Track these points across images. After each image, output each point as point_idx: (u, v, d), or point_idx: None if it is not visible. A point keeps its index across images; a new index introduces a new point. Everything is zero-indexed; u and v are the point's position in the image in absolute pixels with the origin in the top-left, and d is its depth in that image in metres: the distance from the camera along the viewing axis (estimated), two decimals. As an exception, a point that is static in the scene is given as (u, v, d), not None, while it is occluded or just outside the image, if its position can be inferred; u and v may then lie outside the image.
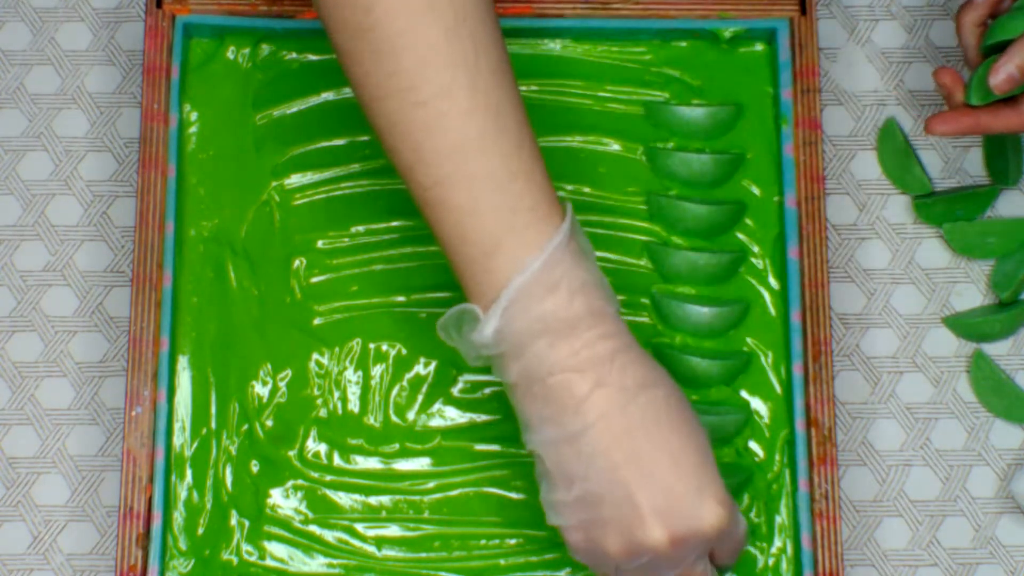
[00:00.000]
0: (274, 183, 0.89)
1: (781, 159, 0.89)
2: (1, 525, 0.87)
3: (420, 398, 0.86)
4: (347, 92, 0.90)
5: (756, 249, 0.88)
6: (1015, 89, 0.82)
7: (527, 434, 0.73)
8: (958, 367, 0.89)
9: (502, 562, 0.84)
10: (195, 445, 0.85)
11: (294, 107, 0.90)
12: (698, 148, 0.90)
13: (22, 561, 0.86)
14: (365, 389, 0.86)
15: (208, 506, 0.85)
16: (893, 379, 0.89)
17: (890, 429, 0.88)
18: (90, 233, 0.90)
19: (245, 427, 0.85)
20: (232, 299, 0.87)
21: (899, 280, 0.90)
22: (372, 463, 0.86)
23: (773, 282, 0.88)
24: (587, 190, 0.89)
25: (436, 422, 0.86)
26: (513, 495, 0.85)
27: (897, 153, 0.91)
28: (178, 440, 0.85)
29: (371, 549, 0.84)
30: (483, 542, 0.85)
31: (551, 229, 0.71)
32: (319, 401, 0.86)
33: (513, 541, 0.85)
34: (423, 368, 0.87)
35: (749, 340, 0.87)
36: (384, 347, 0.87)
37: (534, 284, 0.70)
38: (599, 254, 0.85)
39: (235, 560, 0.84)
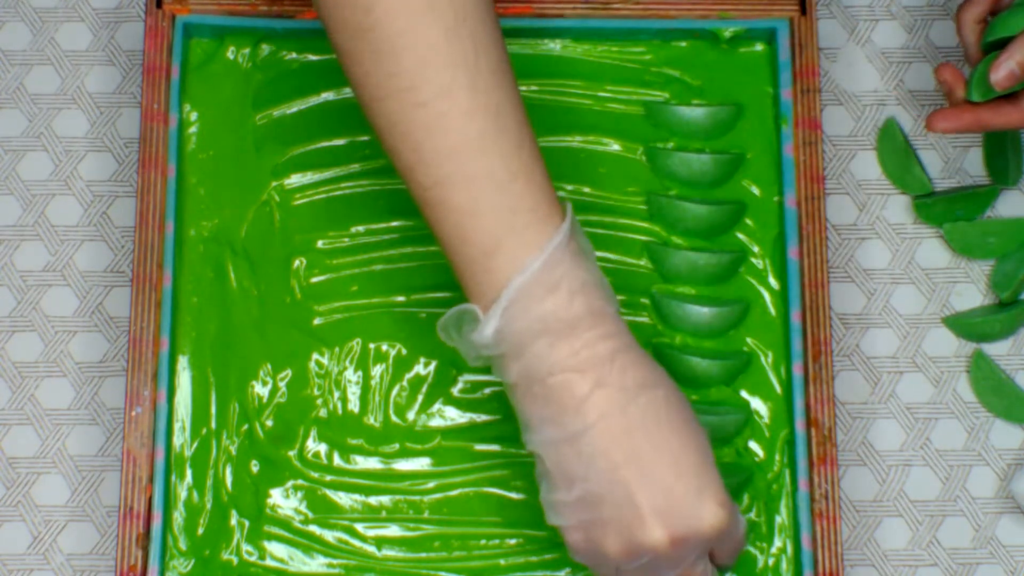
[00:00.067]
0: (274, 183, 0.89)
1: (781, 159, 0.89)
2: (1, 525, 0.87)
3: (420, 398, 0.86)
4: (347, 92, 0.90)
5: (756, 249, 0.88)
6: (1016, 85, 0.82)
7: (527, 434, 0.73)
8: (958, 367, 0.89)
9: (502, 562, 0.84)
10: (195, 445, 0.85)
11: (294, 107, 0.90)
12: (698, 148, 0.90)
13: (22, 561, 0.86)
14: (365, 389, 0.86)
15: (208, 506, 0.85)
16: (893, 379, 0.89)
17: (890, 429, 0.88)
18: (90, 233, 0.90)
19: (245, 427, 0.85)
20: (232, 299, 0.87)
21: (899, 280, 0.90)
22: (372, 463, 0.86)
23: (773, 282, 0.88)
24: (587, 190, 0.89)
25: (436, 422, 0.86)
26: (513, 495, 0.85)
27: (897, 153, 0.91)
28: (178, 440, 0.85)
29: (371, 549, 0.84)
30: (483, 542, 0.85)
31: (551, 229, 0.71)
32: (319, 401, 0.86)
33: (513, 541, 0.85)
34: (423, 368, 0.87)
35: (749, 340, 0.87)
36: (384, 347, 0.87)
37: (534, 284, 0.70)
38: (599, 254, 0.85)
39: (235, 560, 0.84)
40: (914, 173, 0.91)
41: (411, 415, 0.86)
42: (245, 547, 0.84)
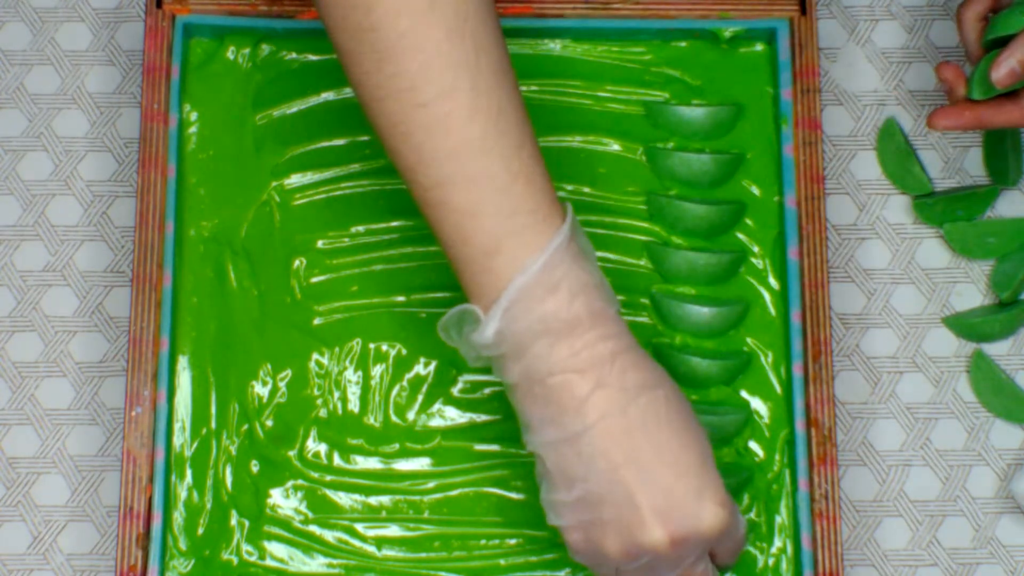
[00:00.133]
0: (274, 183, 0.89)
1: (781, 159, 0.89)
2: (1, 525, 0.86)
3: (420, 398, 0.86)
4: (347, 92, 0.90)
5: (756, 249, 0.88)
6: (1017, 83, 0.82)
7: (527, 435, 0.73)
8: (958, 367, 0.89)
9: (502, 562, 0.84)
10: (195, 445, 0.85)
11: (294, 107, 0.90)
12: (698, 148, 0.90)
13: (22, 561, 0.86)
14: (365, 389, 0.86)
15: (208, 506, 0.85)
16: (893, 379, 0.89)
17: (890, 429, 0.88)
18: (90, 233, 0.90)
19: (245, 427, 0.85)
20: (232, 299, 0.87)
21: (899, 280, 0.90)
22: (372, 463, 0.86)
23: (773, 282, 0.88)
24: (587, 190, 0.89)
25: (436, 422, 0.86)
26: (513, 495, 0.85)
27: (897, 153, 0.91)
28: (178, 440, 0.85)
29: (371, 549, 0.84)
30: (483, 542, 0.85)
31: (551, 230, 0.71)
32: (319, 401, 0.86)
33: (513, 541, 0.85)
34: (423, 368, 0.87)
35: (749, 340, 0.87)
36: (384, 347, 0.87)
37: (535, 285, 0.70)
38: (599, 254, 0.85)
39: (235, 560, 0.84)
40: (914, 173, 0.91)
41: (411, 415, 0.86)
42: (245, 547, 0.84)
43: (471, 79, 0.69)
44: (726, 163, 0.89)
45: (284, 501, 0.85)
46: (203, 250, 0.88)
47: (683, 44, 0.91)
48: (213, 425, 0.85)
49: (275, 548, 0.84)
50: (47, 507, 0.87)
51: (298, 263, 0.88)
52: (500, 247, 0.70)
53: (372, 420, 0.86)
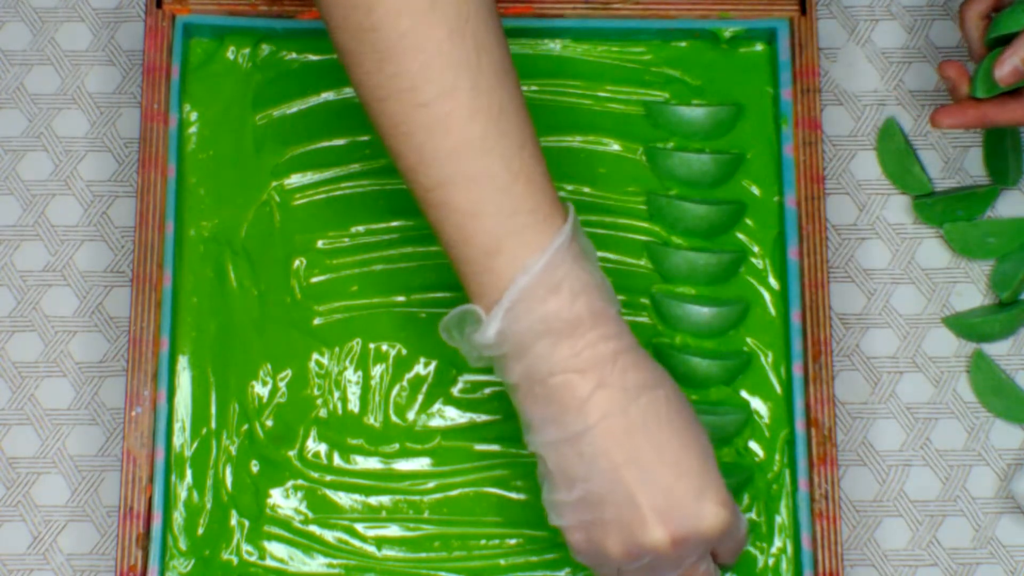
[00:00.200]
0: (274, 183, 0.89)
1: (781, 159, 0.89)
2: (1, 525, 0.86)
3: (420, 398, 0.86)
4: (347, 92, 0.90)
5: (756, 249, 0.88)
6: (1020, 81, 0.82)
7: (529, 435, 0.73)
8: (958, 367, 0.89)
9: (502, 562, 0.84)
10: (195, 445, 0.85)
11: (294, 107, 0.90)
12: (698, 148, 0.90)
13: (22, 561, 0.86)
14: (365, 389, 0.86)
15: (208, 506, 0.84)
16: (893, 379, 0.89)
17: (890, 429, 0.88)
18: (90, 233, 0.90)
19: (245, 427, 0.85)
20: (232, 299, 0.87)
21: (899, 280, 0.90)
22: (372, 463, 0.86)
23: (773, 282, 0.88)
24: (587, 190, 0.89)
25: (436, 422, 0.86)
26: (513, 495, 0.85)
27: (897, 153, 0.92)
28: (178, 440, 0.85)
29: (371, 549, 0.84)
30: (483, 542, 0.85)
31: (553, 230, 0.71)
32: (319, 401, 0.86)
33: (513, 541, 0.85)
34: (423, 368, 0.87)
35: (749, 340, 0.87)
36: (384, 347, 0.87)
37: (536, 285, 0.70)
38: (599, 254, 0.85)
39: (235, 560, 0.84)
40: (914, 173, 0.91)
41: (411, 415, 0.86)
42: (245, 547, 0.84)
43: (472, 79, 0.69)
44: (726, 163, 0.89)
45: (284, 501, 0.85)
46: (203, 250, 0.88)
47: (683, 44, 0.91)
48: (213, 425, 0.85)
49: (275, 548, 0.84)
50: (47, 507, 0.87)
51: (298, 263, 0.88)
52: (501, 247, 0.70)
53: (372, 420, 0.86)
